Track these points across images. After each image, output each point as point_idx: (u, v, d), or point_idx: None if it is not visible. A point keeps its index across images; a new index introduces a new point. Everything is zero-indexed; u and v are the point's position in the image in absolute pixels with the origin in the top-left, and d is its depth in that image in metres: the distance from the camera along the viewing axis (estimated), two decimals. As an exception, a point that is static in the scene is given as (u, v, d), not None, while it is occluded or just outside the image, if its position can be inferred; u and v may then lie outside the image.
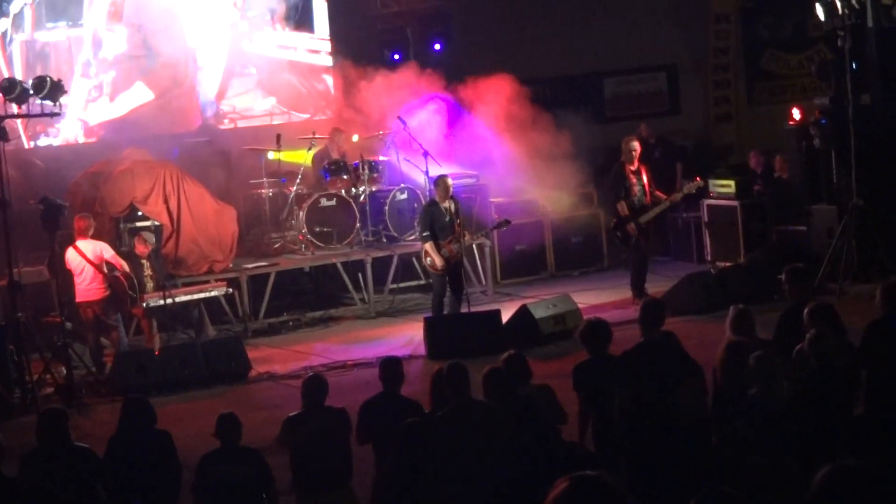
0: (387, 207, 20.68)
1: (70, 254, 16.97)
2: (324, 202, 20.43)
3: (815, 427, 9.52)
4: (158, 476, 10.23)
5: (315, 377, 10.86)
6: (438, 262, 17.69)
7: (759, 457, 9.38)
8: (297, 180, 20.72)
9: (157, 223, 19.25)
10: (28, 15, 21.21)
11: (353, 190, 20.71)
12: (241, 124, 22.93)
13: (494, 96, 20.84)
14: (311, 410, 10.43)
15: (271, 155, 20.94)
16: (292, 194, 20.63)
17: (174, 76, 22.03)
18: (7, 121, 15.87)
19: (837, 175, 19.55)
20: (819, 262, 18.32)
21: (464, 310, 17.79)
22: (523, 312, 17.30)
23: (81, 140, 21.66)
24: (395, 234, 20.71)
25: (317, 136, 21.13)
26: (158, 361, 16.47)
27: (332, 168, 20.75)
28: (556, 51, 24.20)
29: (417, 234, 19.36)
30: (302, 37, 23.12)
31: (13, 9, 21.12)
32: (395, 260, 20.52)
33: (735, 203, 21.05)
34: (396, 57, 23.15)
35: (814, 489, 5.33)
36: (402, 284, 20.90)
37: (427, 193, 19.78)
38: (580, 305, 17.83)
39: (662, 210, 19.29)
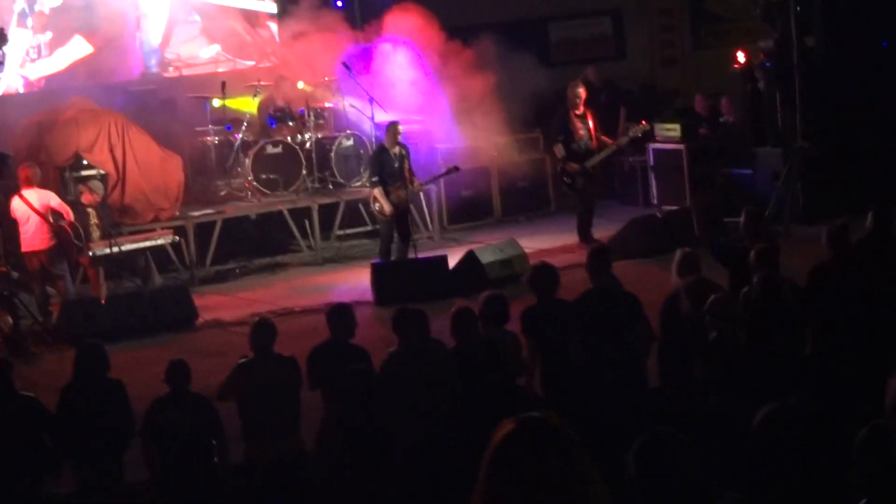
0: (333, 154, 20.59)
1: (16, 203, 16.79)
2: (270, 149, 20.31)
3: (765, 367, 9.62)
4: (111, 425, 10.24)
5: (263, 322, 10.84)
6: (387, 207, 17.65)
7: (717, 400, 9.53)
8: (243, 128, 20.62)
9: (102, 172, 19.07)
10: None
11: (299, 137, 20.64)
12: (185, 72, 22.70)
13: (436, 41, 20.74)
14: (261, 358, 10.43)
15: (216, 103, 20.78)
16: (238, 142, 20.54)
17: (113, 28, 21.74)
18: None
19: (782, 117, 19.64)
20: (764, 204, 18.42)
21: (411, 255, 17.82)
22: (470, 257, 17.31)
23: (23, 91, 21.42)
24: (342, 181, 20.64)
25: (262, 83, 21.02)
26: (105, 310, 16.42)
27: (277, 115, 20.67)
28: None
29: (366, 179, 19.32)
30: (246, -17, 22.93)
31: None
32: (341, 206, 20.45)
33: (681, 146, 21.04)
34: (340, 3, 22.97)
35: (753, 427, 5.41)
36: (348, 231, 20.84)
37: (373, 140, 19.73)
38: (527, 250, 17.80)
39: (609, 154, 19.30)
